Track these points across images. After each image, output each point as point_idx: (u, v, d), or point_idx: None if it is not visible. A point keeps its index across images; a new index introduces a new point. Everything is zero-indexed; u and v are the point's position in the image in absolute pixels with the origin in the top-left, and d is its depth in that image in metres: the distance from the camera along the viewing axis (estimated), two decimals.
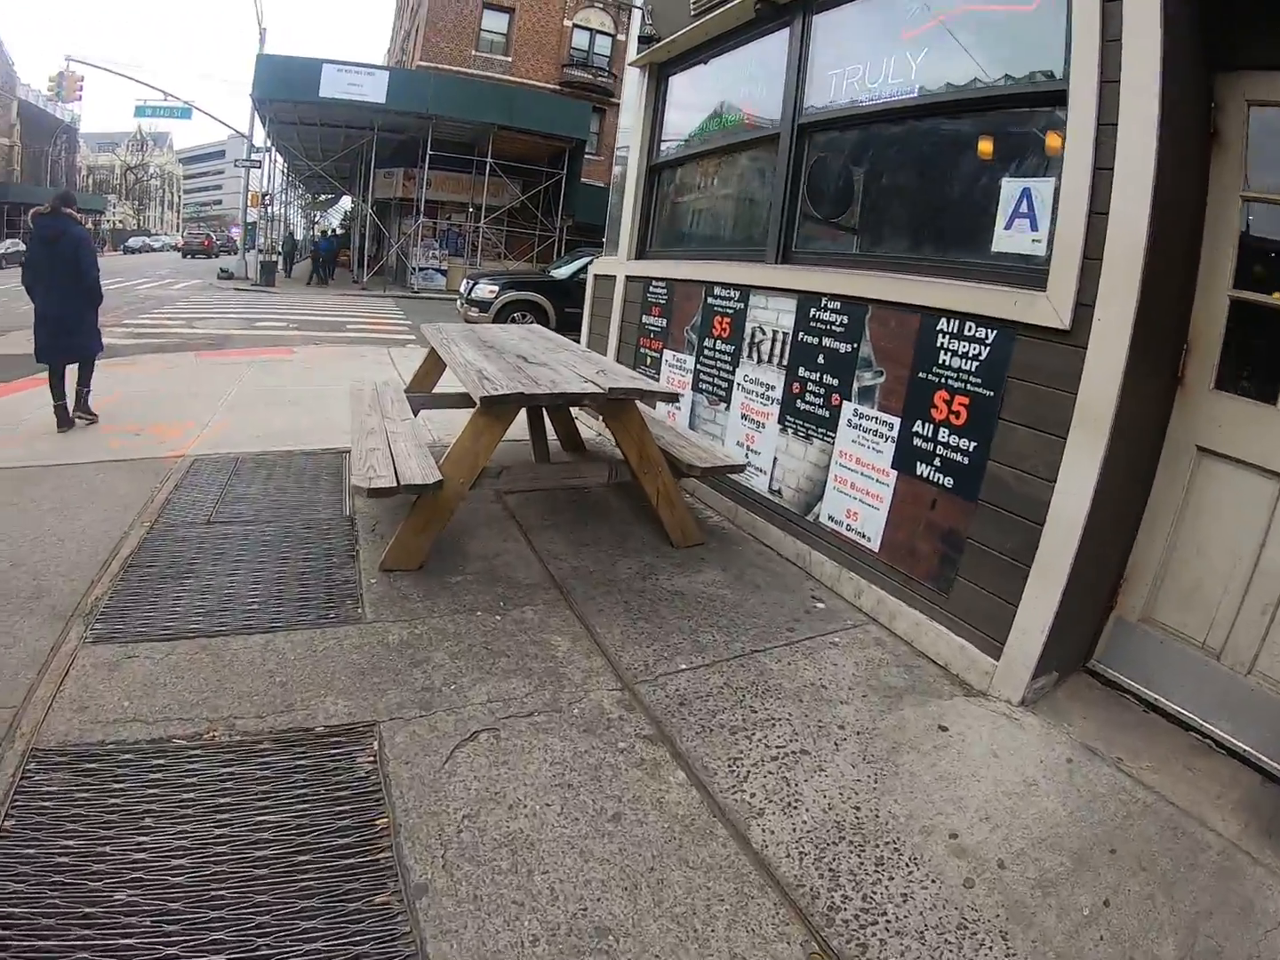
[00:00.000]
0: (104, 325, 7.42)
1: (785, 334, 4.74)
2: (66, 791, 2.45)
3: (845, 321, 4.29)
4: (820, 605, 4.12)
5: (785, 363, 4.75)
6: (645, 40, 6.49)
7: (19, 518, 4.70)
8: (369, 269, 29.54)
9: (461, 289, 15.37)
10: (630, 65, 6.89)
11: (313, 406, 7.60)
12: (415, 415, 5.23)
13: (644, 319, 6.41)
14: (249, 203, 28.94)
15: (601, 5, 33.31)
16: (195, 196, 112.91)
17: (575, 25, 33.08)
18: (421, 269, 29.00)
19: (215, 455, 5.95)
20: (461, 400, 5.67)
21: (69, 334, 6.60)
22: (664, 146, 6.68)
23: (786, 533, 4.75)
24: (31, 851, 2.22)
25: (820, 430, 4.48)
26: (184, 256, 56.83)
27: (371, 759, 2.67)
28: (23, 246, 44.57)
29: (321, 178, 36.98)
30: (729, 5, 5.31)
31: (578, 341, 6.88)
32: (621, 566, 4.39)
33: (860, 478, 4.18)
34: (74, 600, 3.64)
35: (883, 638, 3.81)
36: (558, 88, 31.81)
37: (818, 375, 4.49)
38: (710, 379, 5.53)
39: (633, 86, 6.97)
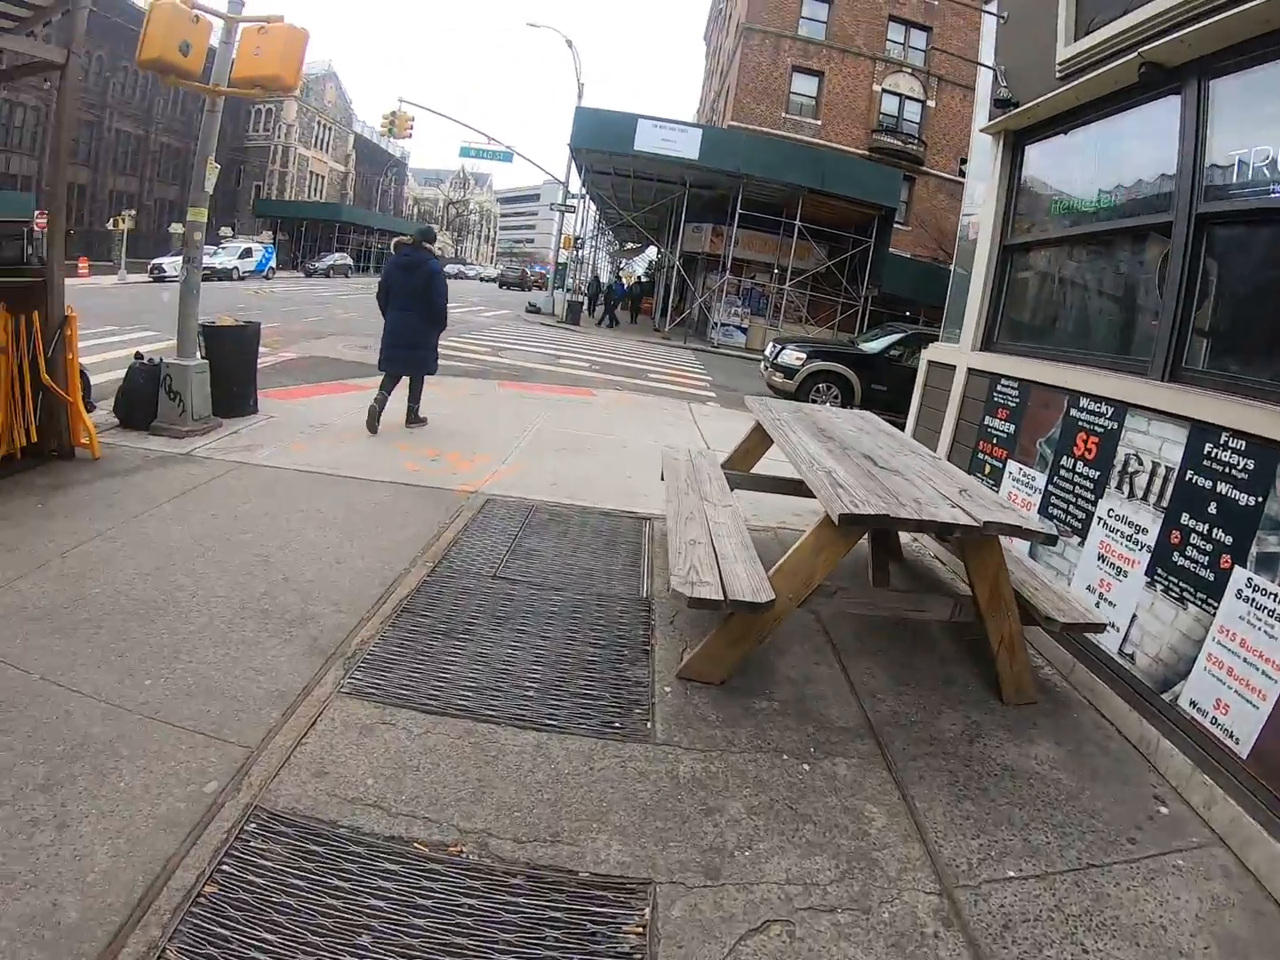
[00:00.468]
0: None
1: (1169, 469, 3.88)
2: (281, 870, 2.17)
3: (1250, 467, 3.39)
4: (1164, 810, 3.27)
5: (1165, 503, 3.89)
6: (1001, 104, 5.83)
7: (303, 526, 4.71)
8: (671, 319, 30.21)
9: (766, 351, 15.10)
10: (981, 131, 6.22)
11: (612, 460, 7.44)
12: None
13: (986, 420, 5.67)
14: (561, 244, 30.54)
15: (911, 70, 32.60)
16: (509, 233, 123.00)
17: (884, 90, 32.44)
18: (723, 324, 29.29)
19: (509, 498, 5.85)
20: (787, 486, 5.26)
21: (410, 349, 7.63)
22: (1021, 224, 5.95)
23: (1133, 707, 3.85)
24: (225, 933, 1.93)
25: (1199, 594, 3.58)
26: (500, 287, 61.66)
27: (640, 930, 2.19)
28: (349, 261, 51.13)
29: (630, 227, 38.69)
30: (1108, 67, 4.56)
31: (899, 428, 6.21)
32: (946, 720, 3.70)
33: (1243, 664, 3.26)
34: (338, 636, 3.49)
35: (1230, 866, 2.93)
36: (866, 153, 31.26)
37: (1206, 527, 3.60)
38: (1064, 505, 4.70)
39: (983, 155, 6.32)
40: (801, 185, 25.84)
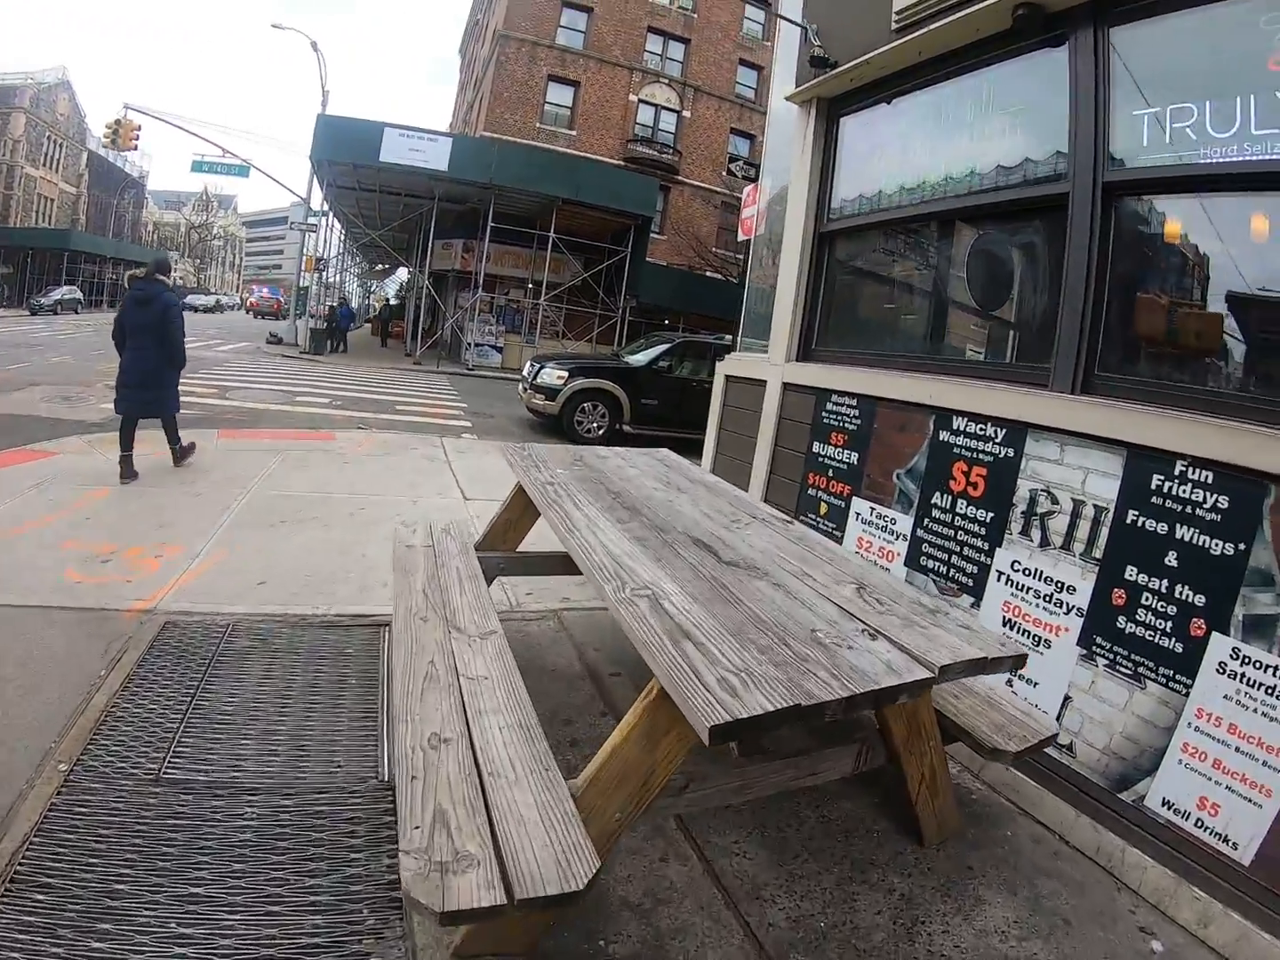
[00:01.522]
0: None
1: (1099, 508, 2.96)
2: None
3: (1224, 505, 2.55)
4: (1157, 948, 2.52)
5: (1097, 554, 2.97)
6: (818, 63, 4.79)
7: None
8: (423, 342, 28.10)
9: (525, 371, 13.78)
10: (787, 99, 5.16)
11: (343, 533, 5.87)
12: (490, 585, 3.52)
13: (816, 448, 4.59)
14: (303, 266, 27.94)
15: (667, 81, 32.62)
16: (256, 259, 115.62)
17: (641, 100, 32.29)
18: (477, 345, 27.59)
19: (197, 616, 4.16)
20: (569, 564, 3.99)
21: (148, 389, 7.07)
22: (842, 206, 4.92)
23: (1081, 812, 2.97)
24: None
25: (1163, 670, 2.73)
26: (255, 318, 57.15)
27: None
28: (79, 295, 46.21)
29: (378, 246, 36.48)
30: (966, 11, 3.66)
31: (679, 448, 5.18)
32: (864, 905, 2.51)
33: (1236, 755, 2.55)
34: None
35: None
36: (622, 163, 30.73)
37: (1163, 583, 2.73)
38: (944, 556, 3.69)
39: (791, 126, 5.23)
40: (556, 196, 24.82)
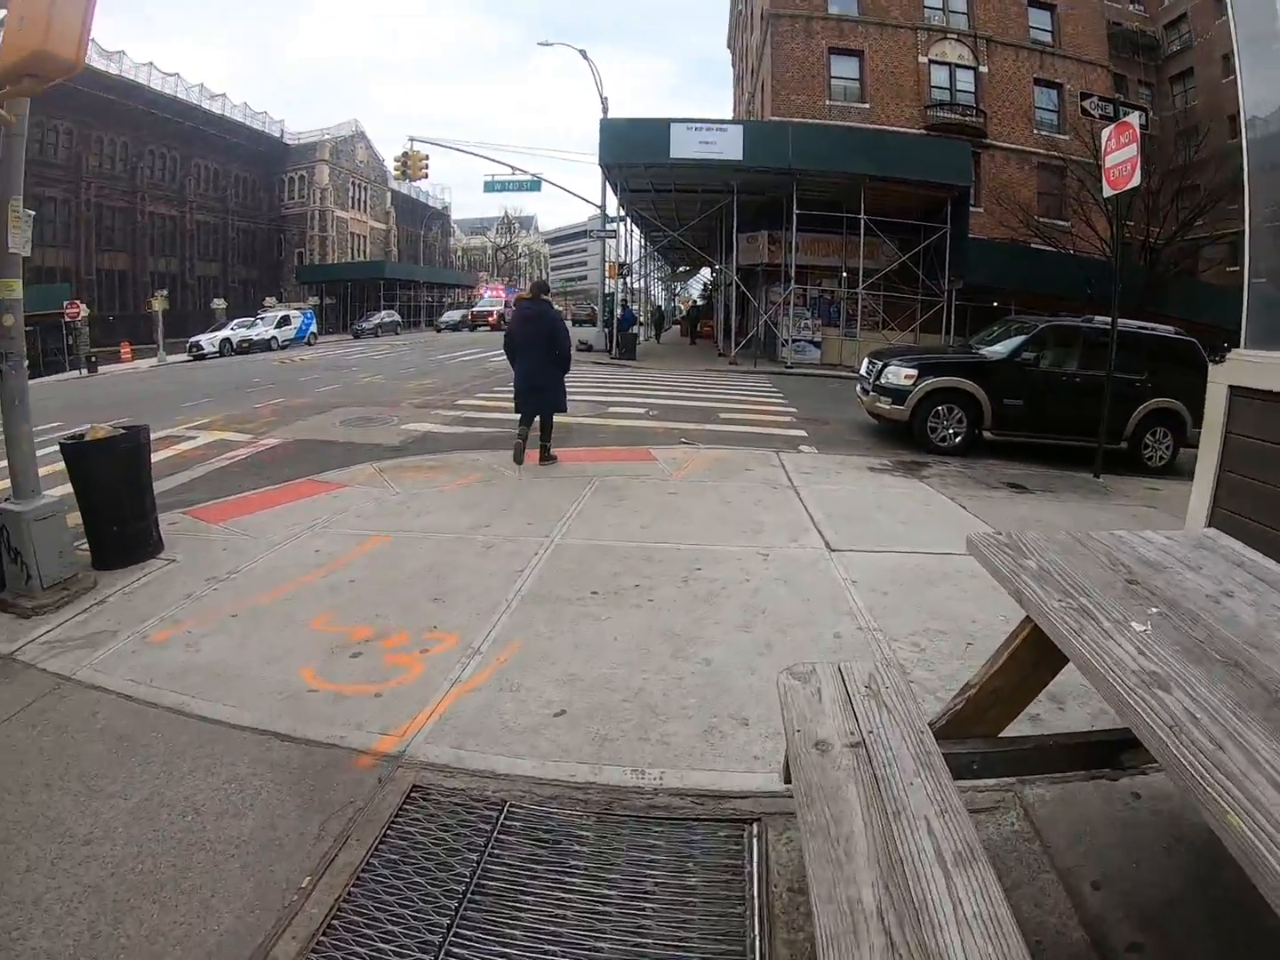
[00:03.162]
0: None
1: None
2: None
3: None
4: None
5: None
6: None
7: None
8: (736, 340, 26.74)
9: (863, 370, 11.98)
10: None
11: (677, 610, 4.47)
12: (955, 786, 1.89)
13: None
14: (606, 273, 27.83)
15: (955, 36, 29.39)
16: (561, 272, 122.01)
17: (931, 61, 29.33)
18: (794, 341, 25.83)
19: (460, 778, 2.94)
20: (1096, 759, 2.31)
21: (543, 392, 8.25)
22: None
23: None
24: None
25: None
26: (573, 325, 59.30)
27: None
28: (397, 317, 50.01)
29: (679, 248, 35.98)
30: None
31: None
32: None
33: None
34: None
35: None
36: (923, 132, 27.99)
37: None
38: None
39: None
40: (861, 174, 22.75)
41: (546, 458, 8.36)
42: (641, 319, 36.71)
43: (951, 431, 10.75)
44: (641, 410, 13.36)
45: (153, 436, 10.36)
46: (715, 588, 4.78)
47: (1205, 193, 22.45)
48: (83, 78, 41.20)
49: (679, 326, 45.97)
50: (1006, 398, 10.67)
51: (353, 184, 62.67)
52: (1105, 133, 9.14)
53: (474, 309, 55.11)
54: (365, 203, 64.75)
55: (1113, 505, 8.10)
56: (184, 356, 33.44)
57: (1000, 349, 11.12)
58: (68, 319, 33.25)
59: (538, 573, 5.03)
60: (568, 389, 8.68)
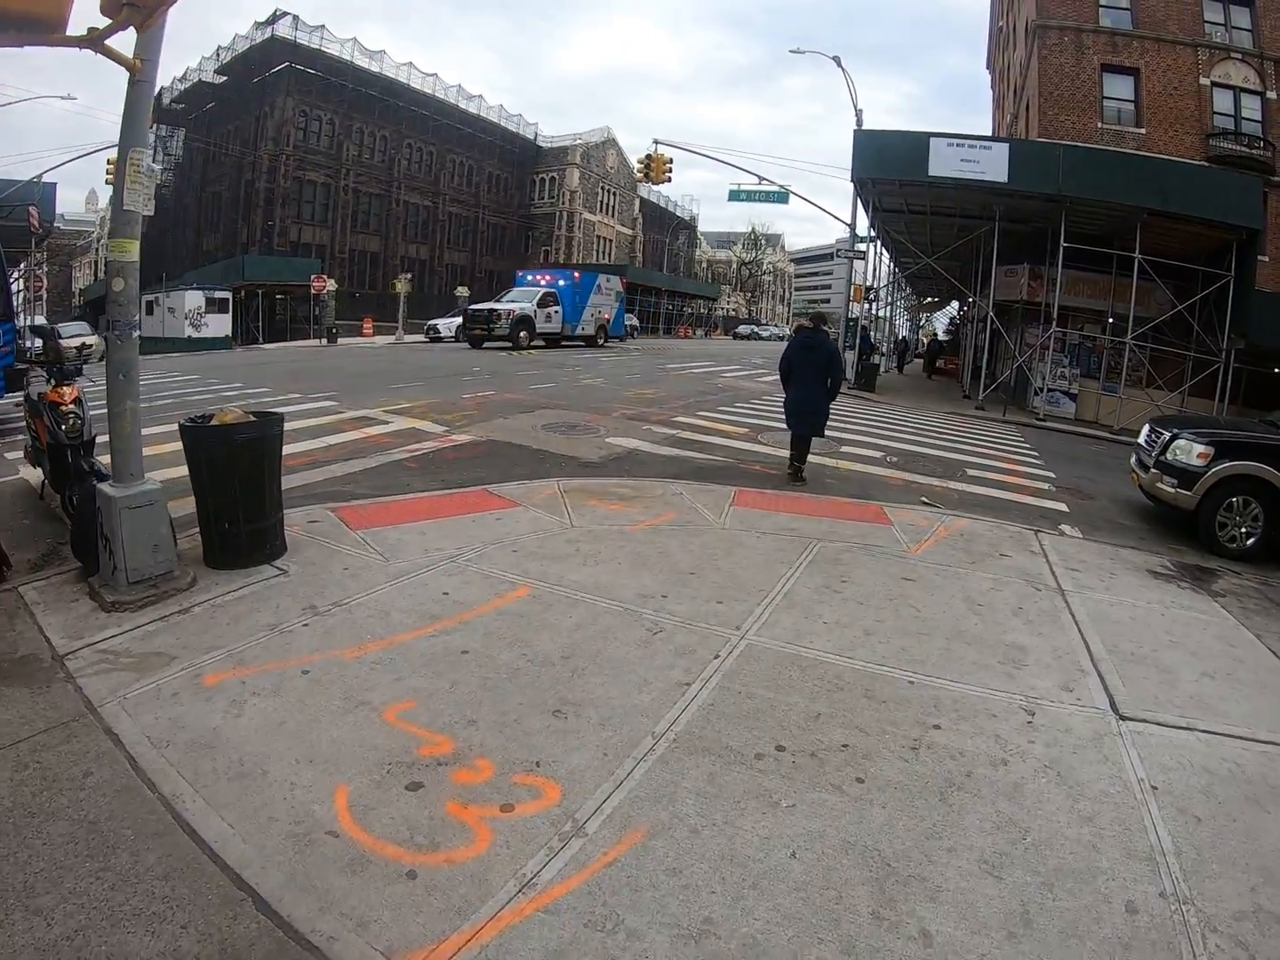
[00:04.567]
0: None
1: None
2: None
3: None
4: None
5: None
6: None
7: None
8: (984, 385, 24.03)
9: (1141, 439, 9.85)
10: None
11: (905, 817, 2.98)
12: None
13: None
14: (851, 295, 26.14)
15: (1239, 56, 25.02)
16: (804, 294, 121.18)
17: (1214, 83, 25.23)
18: (1049, 390, 23.03)
19: None
20: None
21: (813, 415, 8.93)
22: None
23: None
24: None
25: None
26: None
27: None
28: (635, 321, 49.84)
29: (927, 278, 33.45)
30: None
31: None
32: None
33: None
34: None
35: None
36: (1204, 164, 24.10)
37: None
38: None
39: None
40: (1139, 205, 19.69)
41: (798, 477, 8.99)
42: (883, 349, 34.74)
43: (1244, 531, 8.58)
44: (878, 455, 11.70)
45: (349, 415, 10.48)
46: (957, 771, 3.27)
47: None
48: (344, 73, 45.07)
49: (920, 360, 43.72)
50: None
51: (602, 188, 64.31)
52: None
53: (470, 309, 31.36)
54: (613, 207, 66.28)
55: None
56: (421, 338, 34.77)
57: None
58: (314, 291, 35.60)
59: (709, 693, 3.71)
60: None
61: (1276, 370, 21.60)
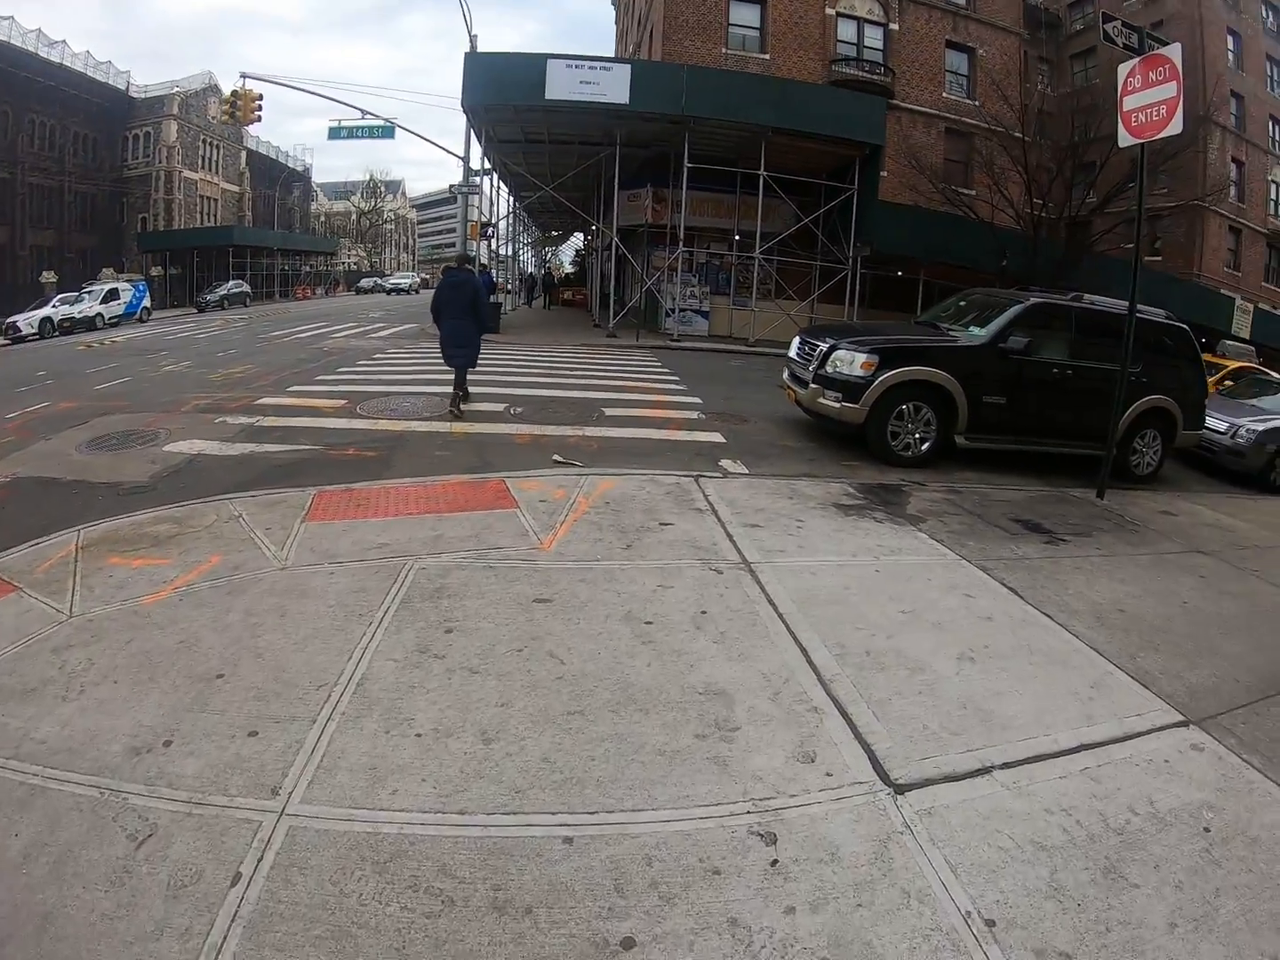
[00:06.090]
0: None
1: None
2: None
3: None
4: None
5: None
6: None
7: None
8: (615, 311, 23.35)
9: (792, 352, 9.18)
10: None
11: None
12: None
13: None
14: (467, 234, 23.81)
15: None
16: (429, 240, 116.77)
17: (840, 14, 26.79)
18: (680, 310, 22.88)
19: None
20: None
21: (463, 348, 9.60)
22: None
23: None
24: None
25: None
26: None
27: None
28: (246, 288, 44.60)
29: (551, 210, 32.28)
30: None
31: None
32: None
33: None
34: None
35: None
36: (829, 86, 25.45)
37: None
38: None
39: None
40: (764, 124, 20.01)
41: (457, 412, 9.36)
42: (509, 287, 33.21)
43: (918, 438, 8.09)
44: (503, 407, 10.07)
45: None
46: None
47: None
48: None
49: (547, 296, 42.87)
50: (986, 394, 8.04)
51: (204, 142, 55.46)
52: (1125, 66, 7.28)
53: None
54: (218, 162, 57.67)
55: (1171, 558, 5.85)
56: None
57: (981, 332, 8.30)
58: None
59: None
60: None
61: (899, 274, 23.44)
